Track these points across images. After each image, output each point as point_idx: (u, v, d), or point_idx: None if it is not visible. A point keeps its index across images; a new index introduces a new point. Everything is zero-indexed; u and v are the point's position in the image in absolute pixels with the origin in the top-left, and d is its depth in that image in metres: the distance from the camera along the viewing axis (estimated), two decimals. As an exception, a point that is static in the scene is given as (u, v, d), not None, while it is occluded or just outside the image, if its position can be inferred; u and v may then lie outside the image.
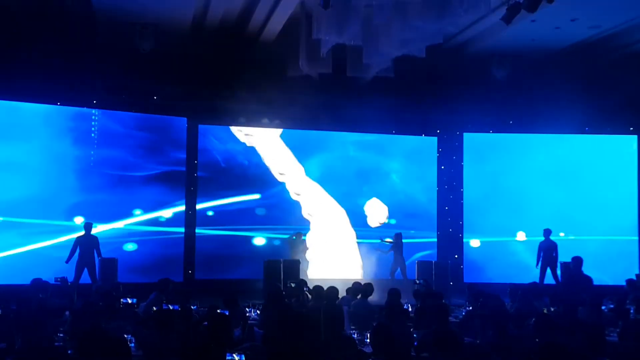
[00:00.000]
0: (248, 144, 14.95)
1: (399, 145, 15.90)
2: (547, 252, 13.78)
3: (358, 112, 14.45)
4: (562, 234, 14.91)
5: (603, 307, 9.03)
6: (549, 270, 13.77)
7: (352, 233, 15.36)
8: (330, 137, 15.51)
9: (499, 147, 15.92)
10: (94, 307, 7.21)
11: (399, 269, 14.32)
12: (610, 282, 13.12)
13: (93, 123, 13.71)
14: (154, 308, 8.01)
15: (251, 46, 13.62)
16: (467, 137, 15.98)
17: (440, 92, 14.87)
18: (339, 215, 15.36)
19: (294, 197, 15.05)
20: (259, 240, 14.82)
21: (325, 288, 8.52)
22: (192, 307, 8.54)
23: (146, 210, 14.00)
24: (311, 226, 15.09)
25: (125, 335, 6.08)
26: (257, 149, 15.02)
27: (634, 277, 12.39)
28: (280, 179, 15.04)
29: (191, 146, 14.55)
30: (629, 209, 15.57)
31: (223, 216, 14.69)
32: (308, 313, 7.79)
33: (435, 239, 15.83)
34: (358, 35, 11.02)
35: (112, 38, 12.87)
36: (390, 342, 5.44)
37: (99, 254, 12.24)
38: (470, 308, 8.99)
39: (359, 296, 9.07)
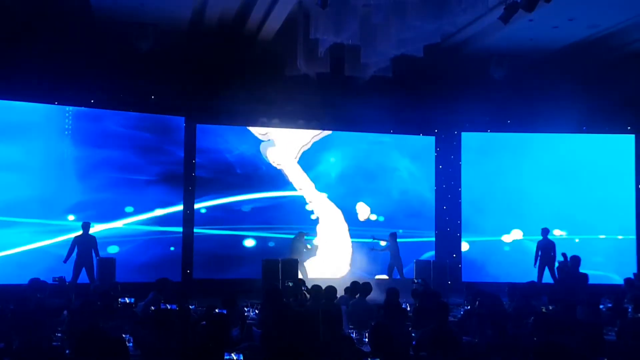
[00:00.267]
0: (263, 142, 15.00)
1: (397, 144, 15.90)
2: (545, 251, 13.79)
3: (356, 112, 14.47)
4: (556, 232, 14.92)
5: (601, 306, 9.04)
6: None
7: (347, 233, 15.37)
8: (328, 136, 15.50)
9: (497, 146, 15.93)
10: (92, 306, 7.19)
11: (395, 269, 14.34)
12: (608, 281, 13.14)
13: (91, 123, 13.72)
14: (152, 308, 8.00)
15: (249, 46, 13.62)
16: (465, 136, 15.99)
17: (438, 91, 14.87)
18: (337, 216, 15.36)
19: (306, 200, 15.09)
20: (252, 242, 14.79)
21: (323, 287, 8.53)
22: (190, 306, 8.53)
23: (144, 209, 13.98)
24: (317, 228, 15.12)
25: (123, 335, 6.08)
26: (263, 148, 15.05)
27: (631, 276, 12.40)
28: (295, 184, 15.07)
29: (189, 145, 14.54)
30: (627, 208, 15.58)
31: (222, 216, 14.68)
32: (306, 312, 7.78)
33: (434, 238, 15.84)
34: (356, 34, 11.01)
35: (110, 38, 12.85)
36: (389, 341, 5.44)
37: (97, 254, 12.23)
38: (469, 307, 8.99)
39: (357, 295, 9.07)
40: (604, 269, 14.77)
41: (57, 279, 10.15)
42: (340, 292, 9.23)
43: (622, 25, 12.53)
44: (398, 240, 14.40)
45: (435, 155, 16.08)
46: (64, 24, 12.42)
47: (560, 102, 14.03)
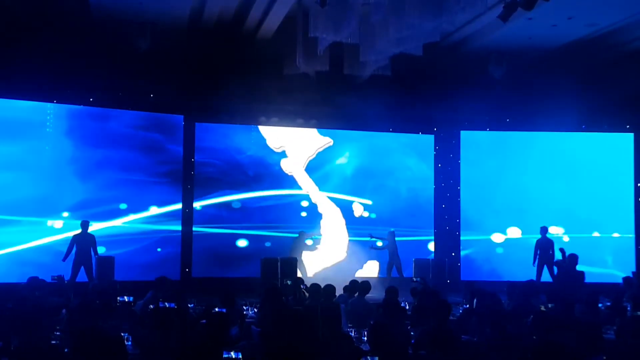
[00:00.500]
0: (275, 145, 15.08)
1: (396, 142, 15.89)
2: (544, 249, 13.79)
3: (355, 110, 14.46)
4: (555, 229, 14.92)
5: (600, 305, 9.04)
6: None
7: (345, 231, 15.39)
8: (328, 135, 15.50)
9: (496, 144, 15.92)
10: (90, 305, 7.18)
11: (394, 267, 14.35)
12: (607, 280, 13.15)
13: (90, 121, 13.71)
14: (151, 306, 8.00)
15: (248, 44, 13.60)
16: (465, 134, 15.99)
17: (437, 90, 14.87)
18: (336, 214, 15.37)
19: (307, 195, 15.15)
20: (244, 242, 14.79)
21: (322, 286, 8.52)
22: (189, 305, 8.53)
23: (143, 208, 13.97)
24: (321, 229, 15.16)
25: (122, 334, 6.08)
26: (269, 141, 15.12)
27: (630, 275, 12.42)
28: (301, 184, 15.11)
29: (188, 144, 14.53)
30: (626, 206, 15.59)
31: (221, 214, 14.68)
32: (305, 311, 7.78)
33: (433, 237, 15.84)
34: (355, 33, 10.98)
35: (109, 37, 12.84)
36: (388, 340, 5.45)
37: (96, 252, 12.22)
38: (468, 306, 8.99)
39: (356, 294, 9.07)
40: (602, 267, 14.78)
41: (55, 277, 10.13)
42: (339, 291, 9.23)
43: (621, 24, 12.52)
44: (396, 238, 14.42)
45: (435, 154, 16.08)
46: (63, 24, 12.42)
47: (559, 100, 14.02)
